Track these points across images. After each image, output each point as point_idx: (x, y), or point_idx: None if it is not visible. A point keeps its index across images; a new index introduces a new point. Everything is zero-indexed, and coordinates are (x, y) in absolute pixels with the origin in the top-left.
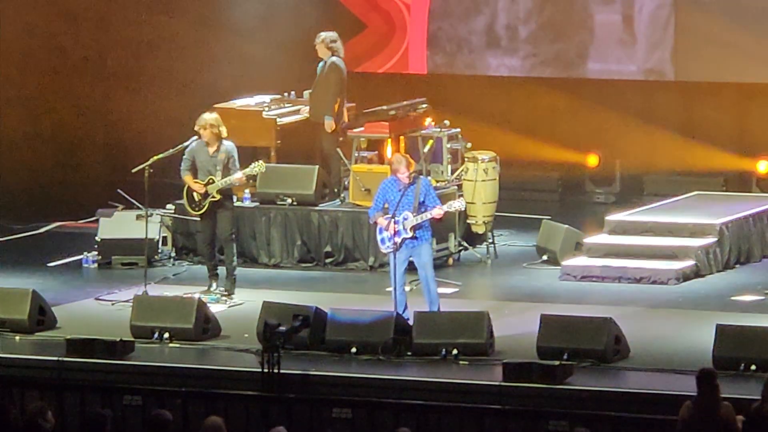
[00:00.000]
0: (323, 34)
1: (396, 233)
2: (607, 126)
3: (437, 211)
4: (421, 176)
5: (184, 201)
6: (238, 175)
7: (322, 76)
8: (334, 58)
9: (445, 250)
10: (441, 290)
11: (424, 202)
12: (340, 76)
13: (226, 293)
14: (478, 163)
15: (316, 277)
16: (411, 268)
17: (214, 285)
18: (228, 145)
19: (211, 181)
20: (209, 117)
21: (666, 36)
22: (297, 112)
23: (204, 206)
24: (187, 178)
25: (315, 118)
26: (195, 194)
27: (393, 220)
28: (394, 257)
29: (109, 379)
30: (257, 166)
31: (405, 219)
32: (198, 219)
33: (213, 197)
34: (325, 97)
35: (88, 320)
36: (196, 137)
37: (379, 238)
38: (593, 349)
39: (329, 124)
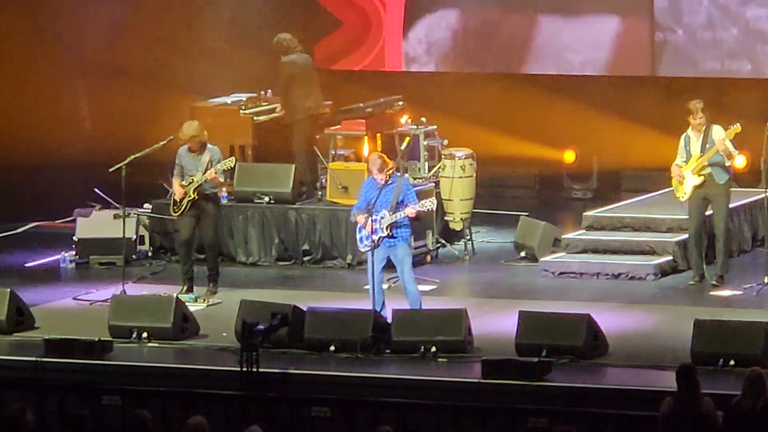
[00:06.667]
0: (279, 36)
1: (373, 231)
2: (584, 122)
3: (410, 210)
4: (401, 176)
5: (169, 205)
6: (210, 172)
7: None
8: (284, 57)
9: (423, 248)
10: (419, 287)
11: (402, 201)
12: (289, 72)
13: (213, 293)
14: (455, 160)
15: (294, 276)
16: (391, 266)
17: (185, 289)
18: (212, 148)
19: (190, 181)
20: (190, 129)
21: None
22: (273, 110)
23: (182, 207)
24: (175, 181)
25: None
26: (177, 196)
27: (371, 218)
28: (372, 255)
29: (88, 379)
30: (227, 161)
31: (382, 218)
32: (175, 219)
33: (190, 196)
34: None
35: (67, 320)
36: (172, 137)
37: (358, 236)
38: (572, 345)
39: None
